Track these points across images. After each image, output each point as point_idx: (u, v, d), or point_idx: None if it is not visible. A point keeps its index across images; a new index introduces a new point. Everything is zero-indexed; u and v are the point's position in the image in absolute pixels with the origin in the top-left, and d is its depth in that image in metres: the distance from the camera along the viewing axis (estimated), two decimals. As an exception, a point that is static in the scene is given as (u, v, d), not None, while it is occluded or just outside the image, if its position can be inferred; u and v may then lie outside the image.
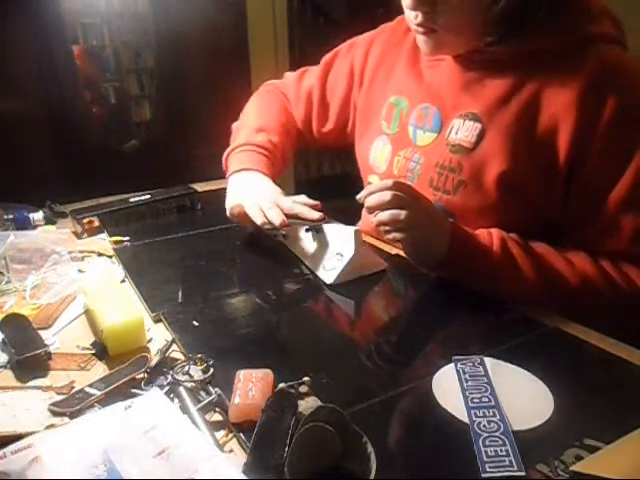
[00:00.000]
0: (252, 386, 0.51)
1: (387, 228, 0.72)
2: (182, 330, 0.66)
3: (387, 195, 0.69)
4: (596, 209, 0.72)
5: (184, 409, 0.50)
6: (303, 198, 0.86)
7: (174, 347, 0.63)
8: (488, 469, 0.43)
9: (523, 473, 0.42)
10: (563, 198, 0.74)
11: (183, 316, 0.70)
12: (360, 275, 0.80)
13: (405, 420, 0.52)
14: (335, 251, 0.81)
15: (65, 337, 0.67)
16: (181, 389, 0.53)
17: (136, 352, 0.60)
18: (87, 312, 0.72)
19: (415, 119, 0.87)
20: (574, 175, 0.73)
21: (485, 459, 0.44)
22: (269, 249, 0.92)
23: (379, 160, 0.94)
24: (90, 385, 0.55)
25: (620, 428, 0.47)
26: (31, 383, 0.57)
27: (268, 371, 0.54)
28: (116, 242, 0.97)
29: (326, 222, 0.83)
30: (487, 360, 0.57)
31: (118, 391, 0.54)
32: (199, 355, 0.58)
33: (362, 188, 0.75)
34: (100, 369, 0.60)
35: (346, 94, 1.04)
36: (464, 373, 0.55)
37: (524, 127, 0.74)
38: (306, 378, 0.52)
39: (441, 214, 0.74)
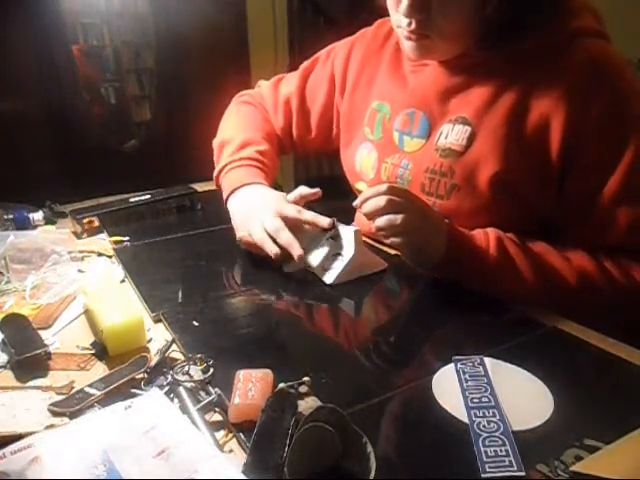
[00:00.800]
0: (252, 386, 0.51)
1: (384, 233, 0.71)
2: (182, 330, 0.66)
3: (382, 200, 0.69)
4: (591, 204, 0.72)
5: (184, 409, 0.50)
6: (301, 189, 0.86)
7: (174, 347, 0.63)
8: (488, 469, 0.43)
9: (523, 473, 0.42)
10: (557, 195, 0.74)
11: (183, 316, 0.70)
12: (360, 275, 0.80)
13: (405, 420, 0.52)
14: (335, 251, 0.81)
15: (65, 337, 0.67)
16: (181, 389, 0.53)
17: (136, 352, 0.60)
18: (87, 312, 0.72)
19: (400, 125, 0.86)
20: (567, 171, 0.73)
21: (485, 459, 0.44)
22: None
23: (366, 167, 0.93)
24: (90, 385, 0.55)
25: (620, 428, 0.47)
26: (31, 383, 0.57)
27: (268, 371, 0.54)
28: (116, 242, 0.97)
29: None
30: (487, 360, 0.57)
31: (118, 391, 0.54)
32: (199, 355, 0.58)
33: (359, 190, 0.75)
34: (100, 369, 0.60)
35: (327, 100, 1.03)
36: (464, 373, 0.55)
37: (514, 127, 0.73)
38: (306, 378, 0.52)
39: (438, 215, 0.74)
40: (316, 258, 0.83)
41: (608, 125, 0.70)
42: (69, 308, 0.74)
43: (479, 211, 0.77)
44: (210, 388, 0.54)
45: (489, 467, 0.43)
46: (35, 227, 1.03)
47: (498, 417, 0.48)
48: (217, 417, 0.51)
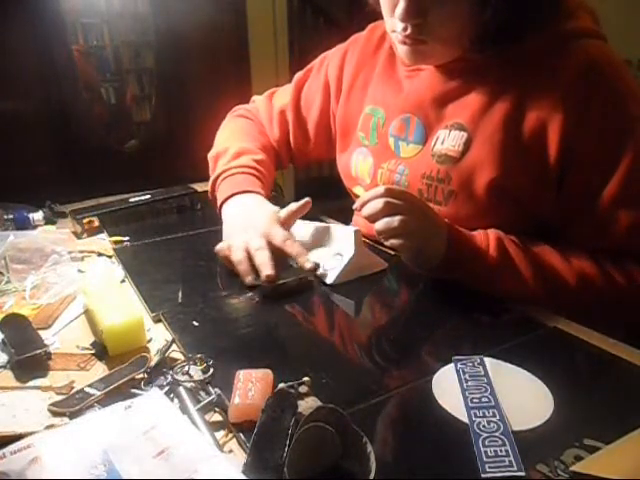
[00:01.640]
0: (252, 386, 0.51)
1: (384, 236, 0.71)
2: (182, 330, 0.66)
3: (379, 203, 0.68)
4: (590, 207, 0.72)
5: (184, 409, 0.50)
6: (291, 206, 0.84)
7: (174, 347, 0.63)
8: (488, 469, 0.43)
9: (523, 473, 0.42)
10: (556, 198, 0.74)
11: (183, 316, 0.70)
12: (360, 275, 0.80)
13: (405, 420, 0.52)
14: (335, 251, 0.81)
15: (65, 337, 0.67)
16: (181, 389, 0.53)
17: (136, 352, 0.60)
18: (87, 312, 0.72)
19: (396, 130, 0.86)
20: (566, 174, 0.72)
21: (485, 459, 0.44)
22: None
23: (362, 173, 0.93)
24: (90, 385, 0.55)
25: (620, 428, 0.47)
26: (31, 383, 0.57)
27: (268, 371, 0.54)
28: (116, 242, 0.97)
29: (326, 223, 0.83)
30: (487, 360, 0.57)
31: (118, 391, 0.54)
32: (199, 355, 0.58)
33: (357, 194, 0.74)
34: (100, 369, 0.60)
35: (323, 108, 1.03)
36: (464, 373, 0.55)
37: (511, 132, 0.73)
38: (306, 378, 0.52)
39: (437, 216, 0.73)
40: (316, 258, 0.83)
41: (607, 127, 0.69)
42: (69, 308, 0.74)
43: (477, 216, 0.77)
44: (210, 388, 0.54)
45: (489, 467, 0.43)
46: (35, 227, 1.03)
47: (498, 417, 0.48)
48: (217, 417, 0.51)
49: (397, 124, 0.86)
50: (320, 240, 0.86)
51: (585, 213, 0.73)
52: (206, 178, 1.26)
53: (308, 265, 0.76)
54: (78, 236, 1.01)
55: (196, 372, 0.56)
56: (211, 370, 0.56)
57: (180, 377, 0.55)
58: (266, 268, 0.75)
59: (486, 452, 0.44)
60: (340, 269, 0.78)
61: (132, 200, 1.19)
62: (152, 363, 0.58)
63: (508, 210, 0.76)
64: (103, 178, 2.08)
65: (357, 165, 0.94)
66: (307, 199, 0.86)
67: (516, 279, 0.71)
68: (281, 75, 3.00)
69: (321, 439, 0.42)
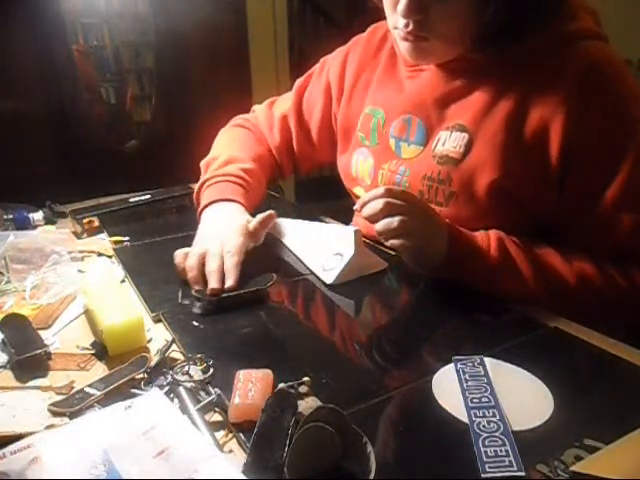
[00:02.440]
0: (252, 386, 0.51)
1: (384, 236, 0.71)
2: (182, 330, 0.66)
3: (379, 204, 0.68)
4: (591, 208, 0.72)
5: (184, 409, 0.50)
6: (258, 217, 0.84)
7: (174, 347, 0.63)
8: (488, 469, 0.43)
9: (523, 473, 0.42)
10: (557, 199, 0.74)
11: (183, 316, 0.70)
12: (360, 275, 0.80)
13: (405, 420, 0.52)
14: (335, 251, 0.81)
15: (65, 337, 0.67)
16: (181, 389, 0.53)
17: (136, 352, 0.60)
18: (87, 312, 0.72)
19: (397, 131, 0.86)
20: (567, 175, 0.72)
21: (485, 459, 0.44)
22: (269, 249, 0.92)
23: (362, 173, 0.93)
24: (90, 385, 0.55)
25: (620, 428, 0.47)
26: (31, 383, 0.57)
27: (268, 371, 0.54)
28: (116, 242, 0.97)
29: (325, 223, 0.83)
30: (487, 360, 0.57)
31: (118, 391, 0.54)
32: (199, 355, 0.58)
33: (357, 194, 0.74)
34: (100, 369, 0.60)
35: (325, 112, 1.03)
36: (464, 373, 0.55)
37: (513, 133, 0.73)
38: (306, 378, 0.52)
39: (438, 216, 0.73)
40: (316, 258, 0.83)
41: (608, 128, 0.69)
42: (69, 308, 0.74)
43: (478, 217, 0.77)
44: (210, 388, 0.54)
45: (489, 467, 0.43)
46: (35, 227, 1.03)
47: (498, 417, 0.48)
48: (217, 417, 0.51)
49: (398, 125, 0.86)
50: (320, 240, 0.86)
51: (586, 214, 0.73)
52: (206, 178, 1.26)
53: (211, 286, 0.72)
54: (78, 236, 1.01)
55: (196, 372, 0.56)
56: (211, 370, 0.56)
57: (180, 377, 0.55)
58: (211, 280, 0.73)
59: (486, 452, 0.44)
60: (340, 269, 0.78)
61: (132, 200, 1.19)
62: (152, 363, 0.58)
63: (509, 211, 0.76)
64: (103, 178, 2.08)
65: (357, 165, 0.94)
66: (271, 211, 0.86)
67: (517, 279, 0.71)
68: (281, 75, 3.00)
69: (321, 439, 0.42)
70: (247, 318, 0.71)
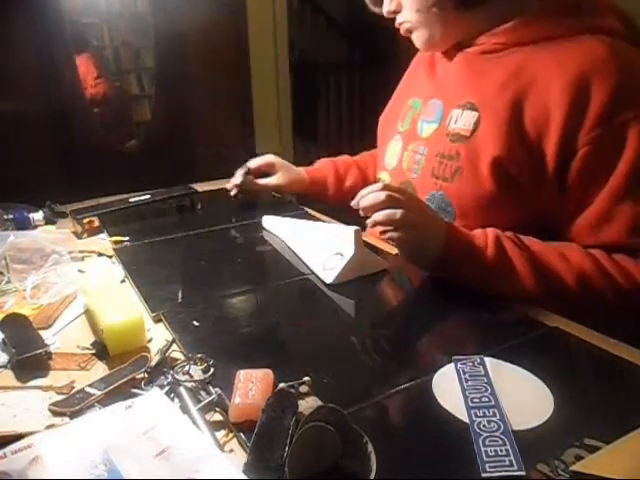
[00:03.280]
0: (252, 386, 0.51)
1: (383, 228, 0.72)
2: (182, 330, 0.66)
3: (382, 195, 0.70)
4: (590, 200, 0.73)
5: (184, 409, 0.50)
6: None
7: (174, 347, 0.63)
8: (488, 469, 0.43)
9: (523, 473, 0.42)
10: (557, 189, 0.75)
11: (183, 316, 0.70)
12: (360, 275, 0.80)
13: (405, 420, 0.52)
14: (335, 251, 0.81)
15: (65, 337, 0.67)
16: (181, 389, 0.53)
17: (136, 352, 0.60)
18: (87, 312, 0.72)
19: (425, 114, 0.90)
20: (566, 166, 0.73)
21: (485, 459, 0.44)
22: (269, 249, 0.92)
23: (391, 156, 0.97)
24: (90, 385, 0.55)
25: (620, 428, 0.47)
26: (31, 383, 0.57)
27: (268, 371, 0.54)
28: (116, 242, 0.97)
29: (325, 222, 0.83)
30: (487, 360, 0.57)
31: (118, 391, 0.54)
32: (199, 355, 0.58)
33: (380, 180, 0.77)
34: (100, 369, 0.60)
35: None
36: (464, 373, 0.55)
37: (516, 114, 0.75)
38: (306, 378, 0.52)
39: (436, 213, 0.76)
40: (316, 258, 0.83)
41: (607, 122, 0.70)
42: (69, 308, 0.74)
43: (480, 198, 0.78)
44: (210, 388, 0.54)
45: (489, 467, 0.43)
46: (35, 227, 1.03)
47: (498, 417, 0.48)
48: (217, 417, 0.51)
49: (427, 109, 0.90)
50: (320, 240, 0.86)
51: (585, 207, 0.73)
52: (206, 178, 1.27)
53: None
54: (78, 236, 1.01)
55: (196, 372, 0.56)
56: (211, 370, 0.56)
57: (180, 377, 0.55)
58: (236, 177, 1.15)
59: (486, 452, 0.44)
60: (340, 269, 0.78)
61: (132, 200, 1.19)
62: (152, 363, 0.58)
63: (510, 200, 0.77)
64: (103, 178, 2.07)
65: (391, 150, 0.98)
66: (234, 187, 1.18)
67: (514, 278, 0.71)
68: (281, 75, 2.99)
69: (321, 439, 0.42)
70: (247, 318, 0.71)
